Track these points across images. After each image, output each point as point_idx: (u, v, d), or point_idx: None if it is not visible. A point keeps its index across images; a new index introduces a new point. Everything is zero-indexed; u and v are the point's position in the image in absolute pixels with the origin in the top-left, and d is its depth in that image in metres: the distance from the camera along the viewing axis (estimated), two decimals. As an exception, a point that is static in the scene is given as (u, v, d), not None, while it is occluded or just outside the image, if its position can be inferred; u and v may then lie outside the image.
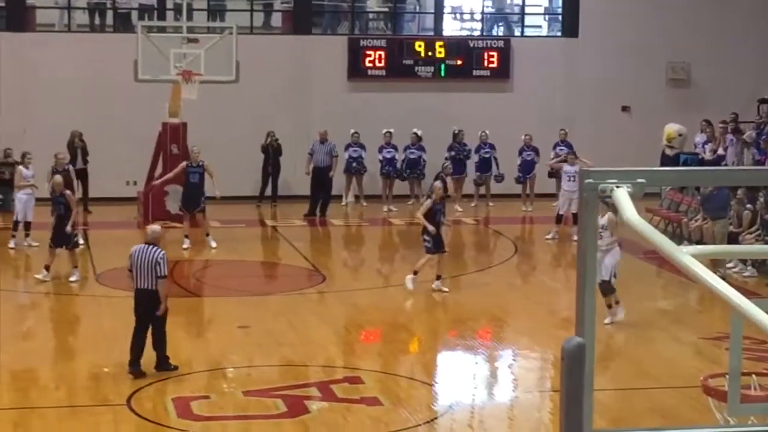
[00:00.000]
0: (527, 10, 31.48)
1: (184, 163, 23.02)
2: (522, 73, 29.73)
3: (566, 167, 23.61)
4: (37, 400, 13.83)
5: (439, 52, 29.48)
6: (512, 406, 14.23)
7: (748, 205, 21.02)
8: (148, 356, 14.42)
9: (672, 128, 27.14)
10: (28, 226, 22.35)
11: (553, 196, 26.60)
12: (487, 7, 31.50)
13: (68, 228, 19.46)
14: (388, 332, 17.27)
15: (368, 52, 29.26)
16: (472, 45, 29.99)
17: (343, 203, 27.91)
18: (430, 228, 18.72)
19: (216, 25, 28.17)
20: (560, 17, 31.06)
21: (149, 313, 14.34)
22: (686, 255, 4.34)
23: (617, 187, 4.59)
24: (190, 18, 25.80)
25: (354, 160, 27.80)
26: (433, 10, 30.80)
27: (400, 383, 14.58)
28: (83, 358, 15.33)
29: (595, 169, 4.70)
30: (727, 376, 7.22)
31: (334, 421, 13.07)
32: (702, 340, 16.39)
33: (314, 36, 29.82)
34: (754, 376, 9.86)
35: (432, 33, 30.54)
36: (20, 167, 22.91)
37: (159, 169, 24.92)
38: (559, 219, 23.90)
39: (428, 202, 19.08)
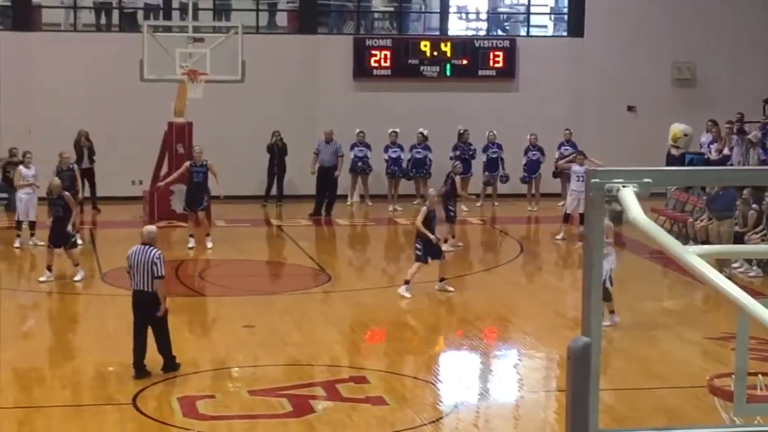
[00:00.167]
0: (533, 9, 31.48)
1: (187, 163, 23.02)
2: (527, 72, 29.69)
3: (575, 167, 23.54)
4: (42, 399, 13.83)
5: (445, 52, 29.48)
6: (518, 405, 14.22)
7: (754, 205, 20.99)
8: (154, 356, 14.42)
9: (677, 128, 27.12)
10: (33, 225, 22.36)
11: (558, 196, 26.59)
12: (494, 9, 31.50)
13: (69, 228, 19.44)
14: (393, 332, 17.26)
15: (374, 52, 29.23)
16: (477, 45, 29.95)
17: (349, 203, 27.91)
18: (432, 237, 18.72)
19: (221, 24, 28.17)
20: (566, 17, 31.04)
21: (147, 315, 14.32)
22: (692, 255, 4.33)
23: (623, 186, 4.59)
24: (195, 17, 25.75)
25: (359, 159, 27.78)
26: (438, 10, 30.79)
27: (405, 383, 14.58)
28: (88, 357, 15.32)
29: (602, 168, 4.70)
30: (733, 376, 7.20)
31: (339, 421, 13.06)
32: (708, 339, 16.37)
33: (320, 36, 29.81)
34: (760, 376, 9.85)
35: (437, 33, 30.52)
36: (20, 167, 22.89)
37: (165, 169, 24.92)
38: (566, 218, 23.87)
39: (423, 210, 19.07)
